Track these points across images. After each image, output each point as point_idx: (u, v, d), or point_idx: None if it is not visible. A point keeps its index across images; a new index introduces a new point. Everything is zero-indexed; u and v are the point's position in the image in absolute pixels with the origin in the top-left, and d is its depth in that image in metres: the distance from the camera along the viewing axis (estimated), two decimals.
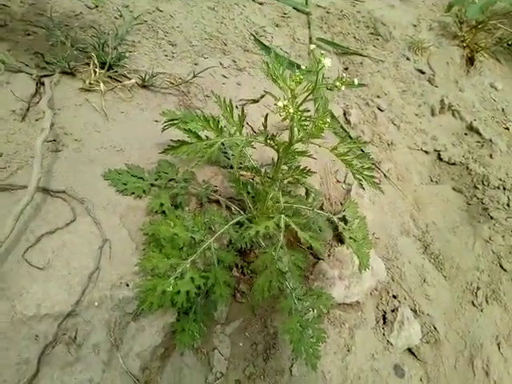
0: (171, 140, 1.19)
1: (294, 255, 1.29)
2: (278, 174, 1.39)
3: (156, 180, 1.63)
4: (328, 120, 1.21)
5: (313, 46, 1.08)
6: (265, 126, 1.28)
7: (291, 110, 1.06)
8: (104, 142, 1.72)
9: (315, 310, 1.57)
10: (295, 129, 1.18)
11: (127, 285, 1.36)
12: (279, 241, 1.27)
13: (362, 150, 2.09)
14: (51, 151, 1.58)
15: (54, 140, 1.61)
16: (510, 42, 3.96)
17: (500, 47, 3.85)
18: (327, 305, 1.61)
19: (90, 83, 1.92)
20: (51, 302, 1.24)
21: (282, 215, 1.29)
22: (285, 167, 1.59)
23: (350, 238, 1.52)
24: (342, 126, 2.44)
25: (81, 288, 1.28)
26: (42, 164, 1.32)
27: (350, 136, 2.37)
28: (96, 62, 1.94)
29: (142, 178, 1.62)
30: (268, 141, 1.31)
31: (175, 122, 1.60)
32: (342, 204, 2.37)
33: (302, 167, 1.44)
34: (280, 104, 1.05)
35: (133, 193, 1.56)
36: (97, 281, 1.31)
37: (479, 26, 3.69)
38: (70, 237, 1.35)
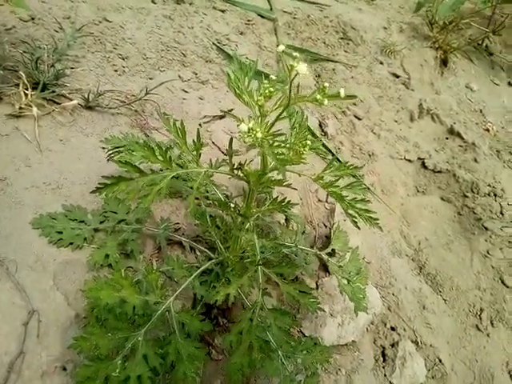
0: (103, 177, 0.90)
1: (277, 317, 1.01)
2: (250, 210, 1.11)
3: (101, 223, 1.32)
4: (308, 142, 0.95)
5: (281, 47, 0.81)
6: (230, 154, 1.01)
7: (259, 135, 0.79)
8: (36, 178, 1.40)
9: (310, 369, 1.29)
10: (267, 156, 0.91)
11: (64, 369, 1.04)
12: (257, 302, 0.98)
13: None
14: None
15: None
16: (480, 42, 3.87)
17: (472, 47, 3.75)
18: (322, 359, 1.33)
19: (20, 108, 1.60)
20: None
21: (260, 267, 1.01)
22: (261, 194, 1.32)
23: (343, 278, 1.26)
24: (320, 140, 2.20)
25: None
26: None
27: (337, 158, 2.12)
28: (26, 81, 1.62)
29: (83, 221, 1.31)
30: (235, 171, 1.03)
31: (120, 149, 1.31)
32: (325, 226, 2.12)
33: (279, 199, 1.17)
34: (243, 127, 0.77)
35: (71, 243, 1.25)
36: (21, 369, 0.99)
37: (450, 26, 3.57)
38: None
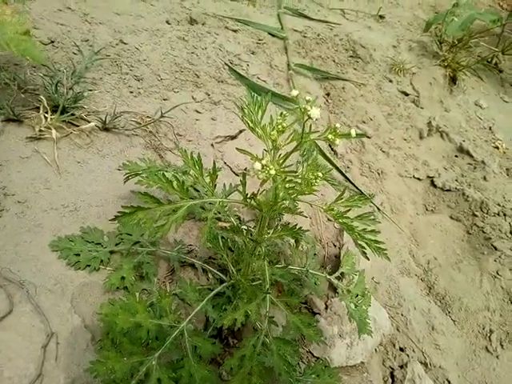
0: (122, 206, 0.94)
1: (280, 346, 1.04)
2: (262, 237, 1.15)
3: (117, 245, 1.37)
4: (319, 174, 0.99)
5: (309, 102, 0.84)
6: (243, 184, 1.05)
7: (272, 172, 0.83)
8: (54, 201, 1.46)
9: None
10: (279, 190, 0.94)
11: None
12: (262, 330, 1.01)
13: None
14: None
15: None
16: (489, 60, 3.89)
17: (481, 65, 3.78)
18: (331, 383, 1.35)
19: (40, 130, 1.67)
20: None
21: (268, 295, 1.04)
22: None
23: (351, 302, 1.28)
24: (329, 160, 2.24)
25: None
26: None
27: (347, 178, 2.15)
28: (46, 105, 1.69)
29: (99, 243, 1.35)
30: (248, 200, 1.07)
31: (138, 173, 1.37)
32: (334, 245, 2.14)
33: (291, 225, 1.20)
34: (257, 166, 0.81)
35: (88, 265, 1.29)
36: None
37: (459, 45, 3.61)
38: (4, 335, 1.07)
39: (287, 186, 0.89)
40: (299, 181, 0.95)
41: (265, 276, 1.14)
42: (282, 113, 0.99)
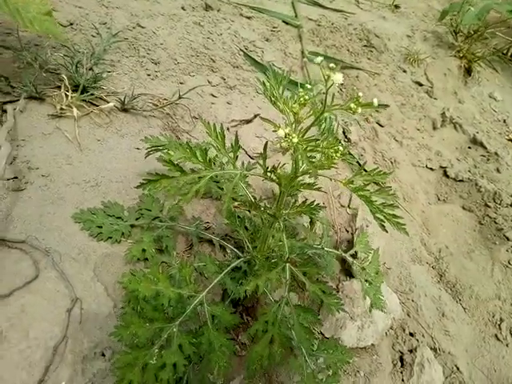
0: (147, 173, 0.97)
1: (300, 314, 1.06)
2: (280, 211, 1.17)
3: (137, 219, 1.40)
4: (340, 148, 1.00)
5: (319, 59, 0.85)
6: (264, 157, 1.07)
7: (295, 140, 0.85)
8: (76, 176, 1.49)
9: (331, 368, 1.34)
10: (300, 161, 0.97)
11: (103, 354, 1.11)
12: (283, 297, 1.03)
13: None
14: (12, 191, 1.34)
15: (16, 177, 1.38)
16: (505, 51, 3.85)
17: (496, 56, 3.74)
18: (344, 359, 1.37)
19: (61, 108, 1.70)
20: None
21: (288, 264, 1.06)
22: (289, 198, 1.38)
23: (366, 280, 1.30)
24: (343, 147, 2.24)
25: (44, 364, 1.03)
26: None
27: (363, 169, 2.16)
28: (67, 84, 1.72)
29: (120, 217, 1.39)
30: (268, 173, 1.09)
31: (159, 148, 1.39)
32: (347, 231, 2.16)
33: (308, 201, 1.22)
34: (281, 133, 0.83)
35: (109, 237, 1.33)
36: (64, 353, 1.06)
37: (474, 36, 3.57)
38: (30, 299, 1.11)
39: (309, 155, 0.91)
40: (319, 156, 0.97)
41: (283, 249, 1.17)
42: (303, 85, 1.00)
